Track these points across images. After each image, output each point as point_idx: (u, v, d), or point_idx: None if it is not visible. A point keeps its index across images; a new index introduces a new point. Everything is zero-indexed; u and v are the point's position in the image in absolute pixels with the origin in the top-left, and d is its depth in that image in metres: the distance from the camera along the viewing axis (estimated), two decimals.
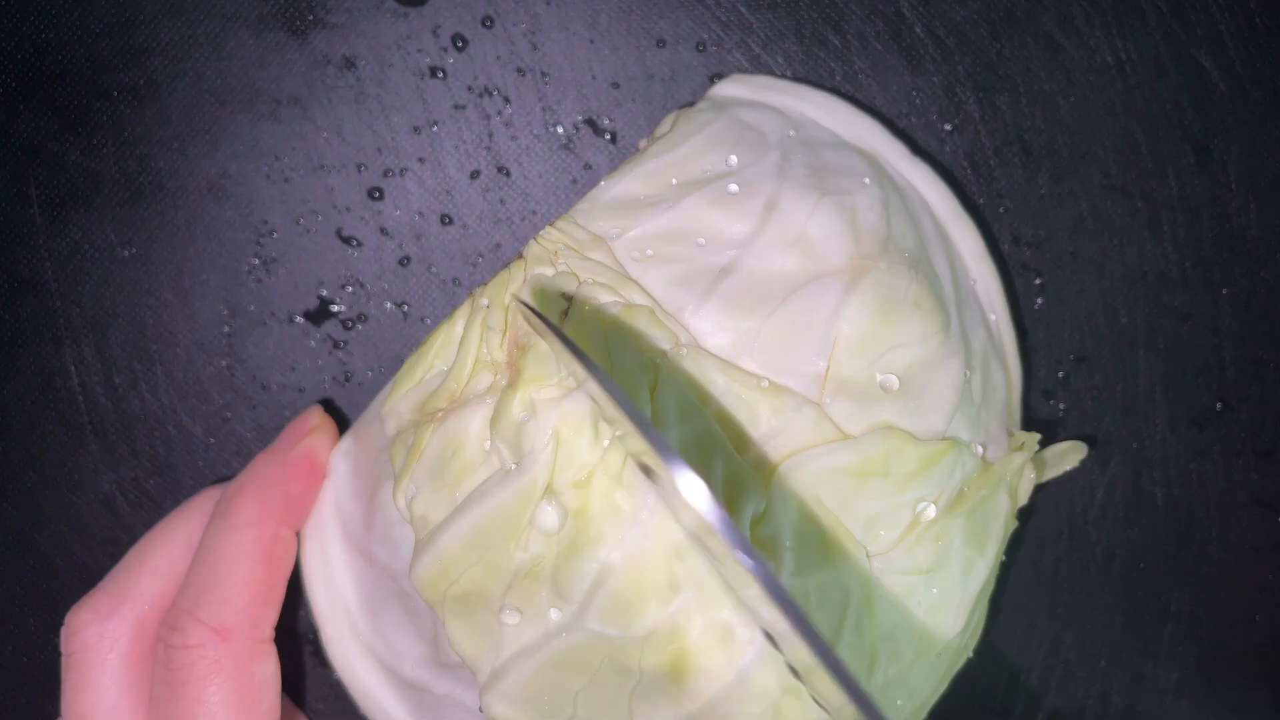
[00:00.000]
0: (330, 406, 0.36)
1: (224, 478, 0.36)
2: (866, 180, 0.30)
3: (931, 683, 0.29)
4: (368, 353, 0.36)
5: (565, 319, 0.28)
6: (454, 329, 0.29)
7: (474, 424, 0.27)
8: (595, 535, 0.26)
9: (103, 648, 0.30)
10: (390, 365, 0.36)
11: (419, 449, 0.28)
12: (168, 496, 0.36)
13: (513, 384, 0.27)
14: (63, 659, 0.31)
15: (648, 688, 0.26)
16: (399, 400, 0.29)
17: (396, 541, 0.29)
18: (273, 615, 0.30)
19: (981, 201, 0.36)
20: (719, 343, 0.27)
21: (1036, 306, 0.36)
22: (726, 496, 0.26)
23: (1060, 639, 0.37)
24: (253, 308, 0.36)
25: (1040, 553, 0.37)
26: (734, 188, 0.29)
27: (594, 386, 0.25)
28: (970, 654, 0.31)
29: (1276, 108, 0.36)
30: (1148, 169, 0.36)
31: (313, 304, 0.36)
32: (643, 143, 0.32)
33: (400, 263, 0.36)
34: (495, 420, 0.27)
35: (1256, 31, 0.35)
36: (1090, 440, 0.36)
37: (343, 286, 0.36)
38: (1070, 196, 0.36)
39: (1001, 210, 0.36)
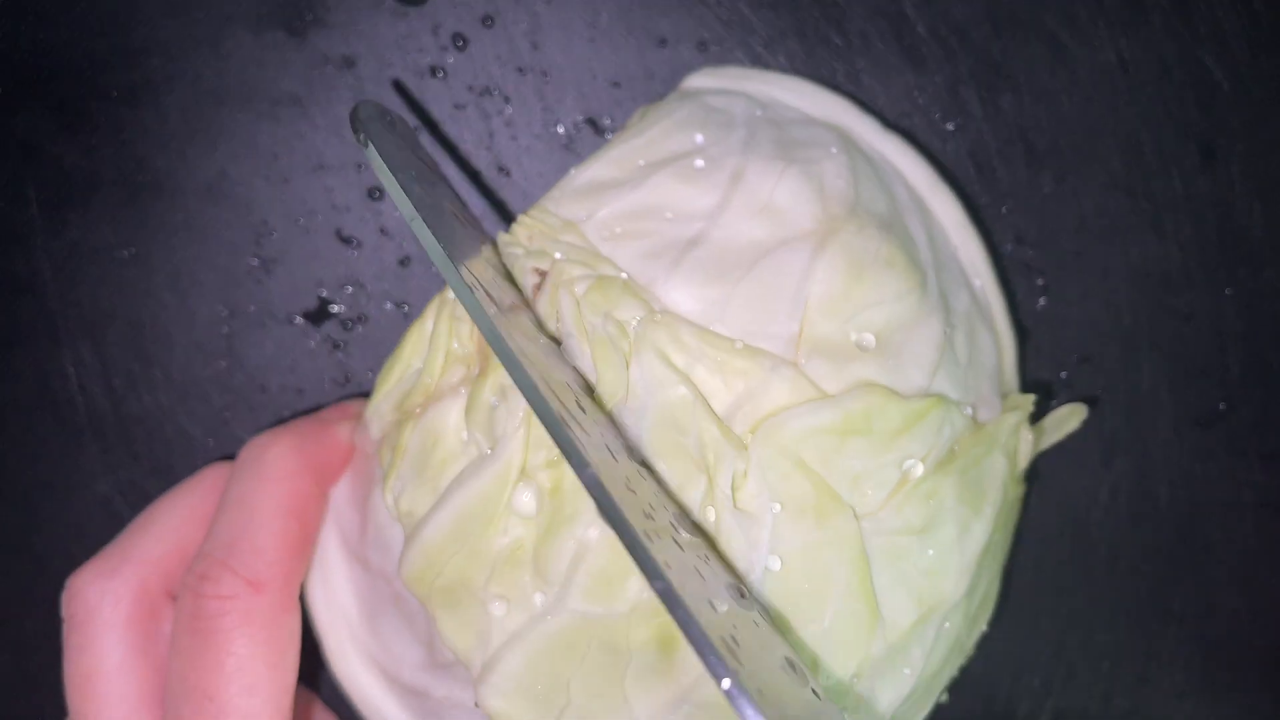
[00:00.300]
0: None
1: None
2: (834, 150, 0.30)
3: (940, 652, 0.29)
4: (367, 354, 0.36)
5: (539, 292, 0.28)
6: (425, 326, 0.29)
7: (451, 415, 0.27)
8: (571, 513, 0.26)
9: (105, 607, 0.30)
10: None
11: (401, 446, 0.28)
12: None
13: (483, 371, 0.27)
14: (64, 623, 0.30)
15: (640, 667, 0.26)
16: (380, 402, 0.29)
17: (388, 544, 0.29)
18: (302, 571, 0.30)
19: (984, 201, 0.36)
20: (690, 310, 0.27)
21: (1039, 306, 0.36)
22: (704, 460, 0.26)
23: (1064, 640, 0.37)
24: (252, 308, 0.36)
25: (1043, 553, 0.37)
26: (700, 163, 0.29)
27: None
28: (984, 626, 0.31)
29: None
30: (1151, 169, 0.36)
31: (312, 304, 0.36)
32: (613, 136, 0.33)
33: (400, 263, 0.36)
34: (469, 409, 0.27)
35: (1260, 30, 0.35)
36: (1093, 429, 0.36)
37: (342, 287, 0.36)
38: (1073, 196, 0.36)
39: (1004, 210, 0.36)
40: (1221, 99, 0.36)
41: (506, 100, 0.35)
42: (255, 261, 0.36)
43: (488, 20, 0.35)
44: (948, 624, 0.28)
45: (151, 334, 0.36)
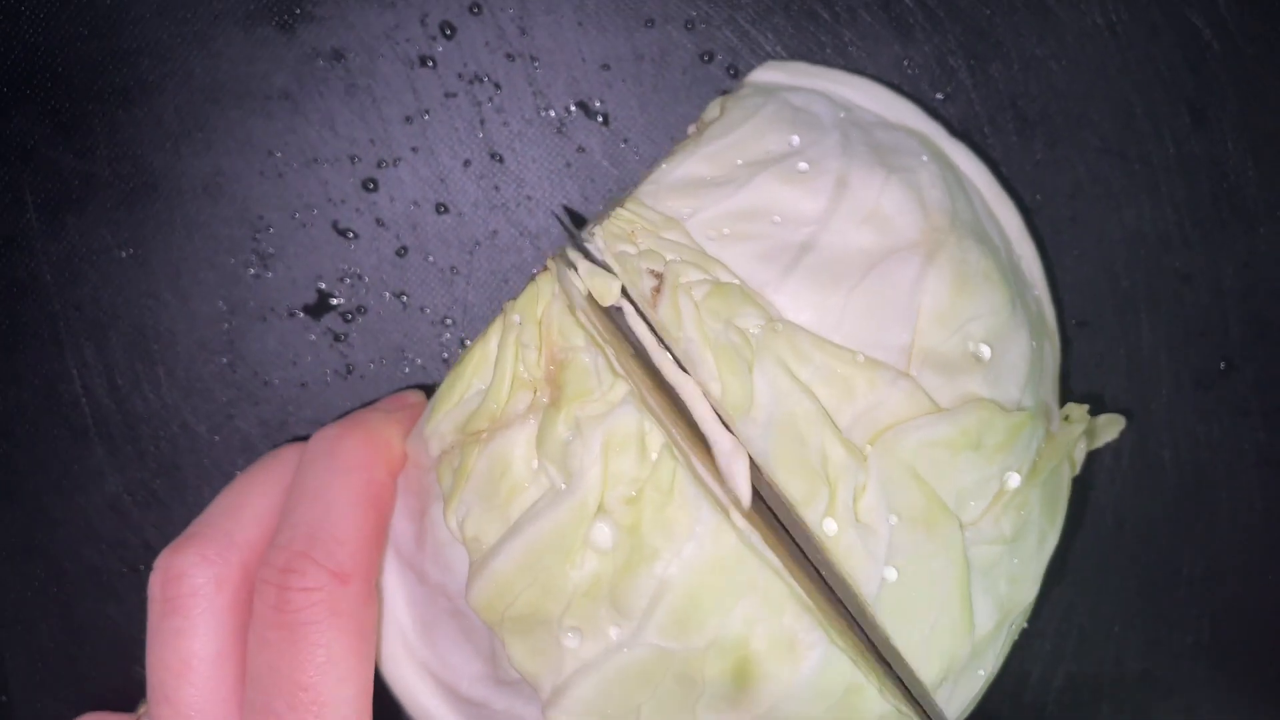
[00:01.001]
0: (333, 400, 0.36)
1: (230, 475, 0.36)
2: (924, 158, 0.30)
3: (1003, 653, 0.29)
4: (368, 344, 0.36)
5: (658, 296, 0.27)
6: (488, 346, 0.29)
7: (519, 444, 0.27)
8: (650, 551, 0.26)
9: (210, 592, 0.29)
10: (391, 356, 0.36)
11: (466, 470, 0.28)
12: (175, 496, 0.37)
13: (555, 402, 0.27)
14: (159, 603, 0.29)
15: (712, 696, 0.26)
16: (440, 421, 0.29)
17: (450, 561, 0.29)
18: (379, 561, 0.30)
19: None
20: (803, 319, 0.27)
21: None
22: (826, 473, 0.26)
23: (1074, 605, 0.37)
24: (252, 304, 0.36)
25: None
26: (803, 166, 0.29)
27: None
28: (1025, 623, 0.31)
29: (1271, 65, 0.36)
30: (1143, 131, 0.36)
31: (311, 298, 0.36)
32: (691, 129, 0.32)
33: (397, 253, 0.36)
34: (540, 440, 0.27)
35: None
36: (1097, 401, 0.36)
37: (341, 279, 0.36)
38: (1066, 161, 0.36)
39: (997, 178, 0.36)
40: (1211, 59, 0.36)
41: (497, 87, 0.35)
42: (253, 257, 0.36)
43: (475, 8, 0.35)
44: (1013, 625, 0.29)
45: (153, 333, 0.36)
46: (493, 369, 0.28)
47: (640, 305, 0.28)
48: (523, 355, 0.28)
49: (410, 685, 0.31)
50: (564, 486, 0.26)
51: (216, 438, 0.36)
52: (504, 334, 0.28)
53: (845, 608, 0.28)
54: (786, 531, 0.28)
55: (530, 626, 0.27)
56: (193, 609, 0.29)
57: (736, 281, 0.27)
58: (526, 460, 0.27)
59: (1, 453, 0.36)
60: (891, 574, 0.26)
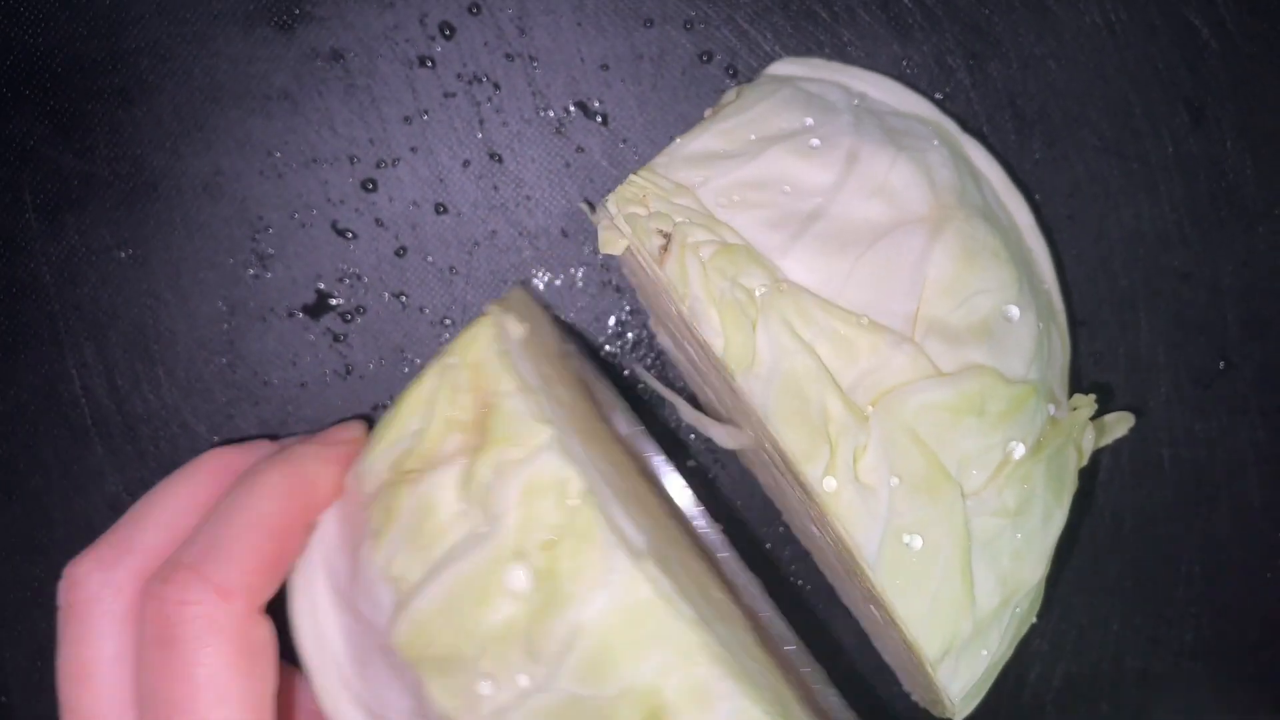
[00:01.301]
0: (332, 400, 0.36)
1: None
2: (935, 142, 0.31)
3: (1007, 639, 0.29)
4: (368, 344, 0.36)
5: (665, 253, 0.28)
6: (423, 387, 0.29)
7: (446, 486, 0.27)
8: (565, 596, 0.26)
9: (105, 598, 0.29)
10: (390, 356, 0.36)
11: (395, 510, 0.28)
12: None
13: (480, 446, 0.27)
14: (61, 611, 0.30)
15: None
16: (376, 459, 0.29)
17: (378, 600, 0.29)
18: (271, 590, 0.29)
19: None
20: (811, 282, 0.28)
21: None
22: (827, 431, 0.27)
23: (1072, 604, 0.37)
24: (251, 304, 0.36)
25: None
26: (815, 142, 0.30)
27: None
28: (1034, 618, 0.31)
29: (1269, 63, 0.36)
30: (1142, 130, 0.36)
31: (311, 298, 0.36)
32: (708, 112, 0.33)
33: (396, 253, 0.36)
34: (465, 483, 0.27)
35: None
36: (1102, 398, 0.36)
37: (340, 279, 0.36)
38: (1065, 161, 0.36)
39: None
40: (1210, 58, 0.36)
41: (496, 87, 0.35)
42: (253, 257, 0.36)
43: (474, 8, 0.35)
44: (1019, 609, 0.29)
45: (153, 333, 0.36)
46: (425, 409, 0.28)
47: (647, 262, 0.28)
48: (455, 398, 0.28)
49: (346, 719, 0.30)
50: (485, 530, 0.26)
51: (216, 438, 0.36)
52: (440, 376, 0.28)
53: (778, 653, 0.28)
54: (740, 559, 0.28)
55: (449, 667, 0.26)
56: (88, 615, 0.29)
57: (743, 244, 0.28)
58: (452, 503, 0.27)
59: (1, 453, 0.36)
60: (917, 541, 0.27)
